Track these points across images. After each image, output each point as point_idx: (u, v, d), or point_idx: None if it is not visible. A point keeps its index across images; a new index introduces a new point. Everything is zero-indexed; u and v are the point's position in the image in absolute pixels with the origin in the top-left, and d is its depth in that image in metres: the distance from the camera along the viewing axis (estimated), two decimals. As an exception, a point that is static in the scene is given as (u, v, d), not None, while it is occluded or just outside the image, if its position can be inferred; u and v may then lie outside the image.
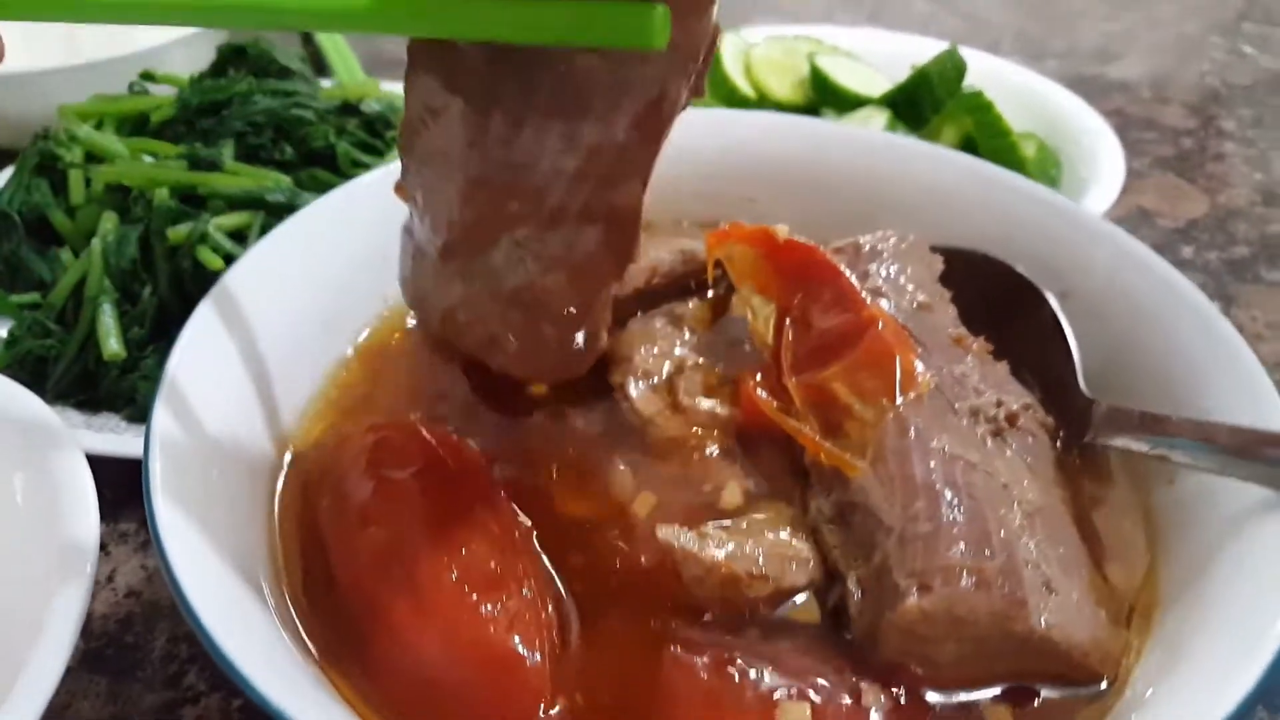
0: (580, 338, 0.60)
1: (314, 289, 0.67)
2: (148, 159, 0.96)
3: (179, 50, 1.27)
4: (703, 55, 0.50)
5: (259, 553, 0.55)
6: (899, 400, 0.56)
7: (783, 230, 0.65)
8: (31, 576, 0.64)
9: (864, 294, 0.61)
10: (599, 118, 0.49)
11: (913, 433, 0.55)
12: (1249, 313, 1.09)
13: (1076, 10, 1.87)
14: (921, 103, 1.09)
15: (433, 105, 0.50)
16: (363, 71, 1.35)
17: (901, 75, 1.22)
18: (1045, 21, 1.82)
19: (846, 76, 1.14)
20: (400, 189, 0.57)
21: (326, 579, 0.54)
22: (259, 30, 1.06)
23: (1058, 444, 0.61)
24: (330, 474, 0.58)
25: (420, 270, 0.59)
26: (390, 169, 0.72)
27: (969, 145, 1.10)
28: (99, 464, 0.65)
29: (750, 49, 1.24)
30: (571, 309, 0.58)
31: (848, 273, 0.63)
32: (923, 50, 1.24)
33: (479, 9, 0.44)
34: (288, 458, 0.62)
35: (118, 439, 0.81)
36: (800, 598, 0.54)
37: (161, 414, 0.52)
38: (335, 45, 1.42)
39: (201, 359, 0.57)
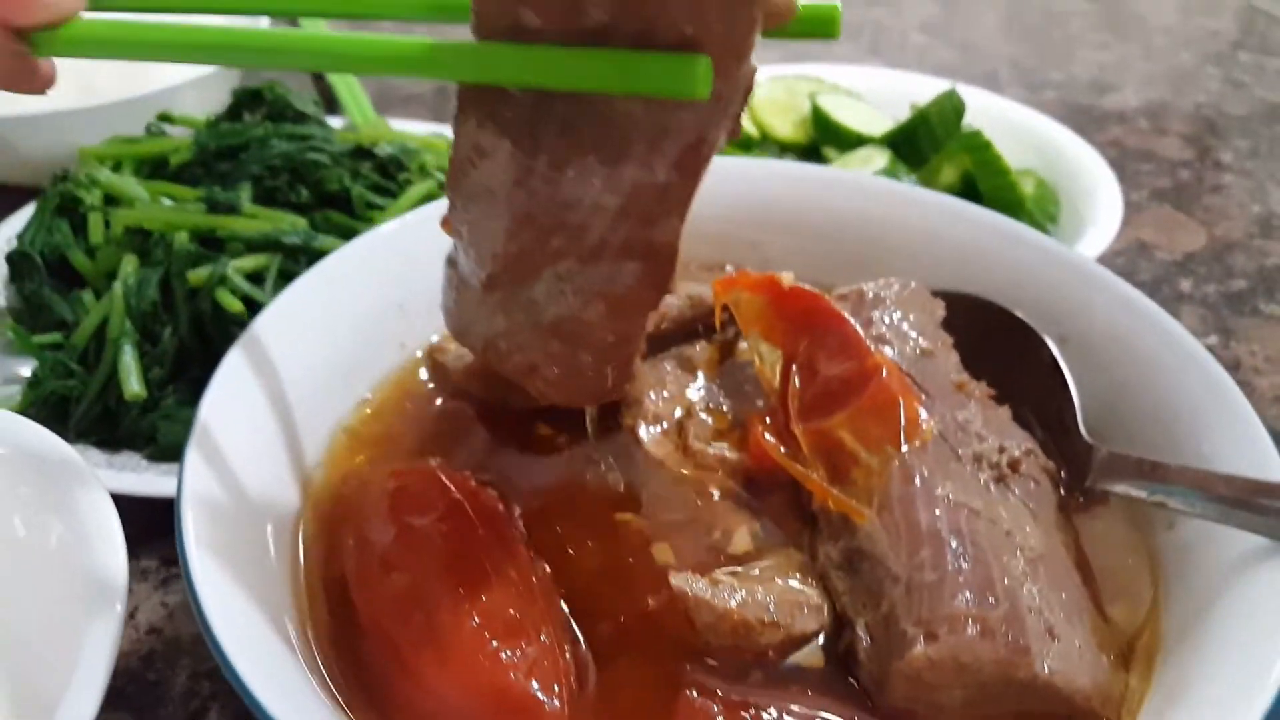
0: (616, 365, 0.62)
1: (335, 337, 0.69)
2: (167, 202, 0.98)
3: (192, 91, 1.29)
4: (740, 99, 0.51)
5: (284, 596, 0.57)
6: (904, 448, 0.58)
7: (788, 278, 0.67)
8: (61, 616, 0.66)
9: (868, 341, 0.63)
10: (640, 160, 0.51)
11: (918, 480, 0.56)
12: (1248, 346, 1.11)
13: (1072, 40, 1.90)
14: (921, 142, 1.11)
15: (481, 146, 0.52)
16: (373, 109, 1.38)
17: (902, 112, 1.25)
18: (1041, 52, 1.84)
19: (847, 116, 1.16)
20: (446, 223, 0.58)
21: (350, 623, 0.56)
22: (291, 71, 1.09)
23: (1060, 488, 0.63)
24: (353, 519, 0.59)
25: (464, 300, 0.61)
26: (405, 220, 0.75)
27: (969, 183, 1.13)
28: (120, 502, 0.66)
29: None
30: (609, 339, 0.60)
31: (852, 320, 0.65)
32: (922, 88, 1.26)
33: (528, 57, 0.47)
34: (309, 502, 0.64)
35: (138, 478, 0.83)
36: (811, 645, 0.55)
37: (193, 461, 0.54)
38: (347, 84, 1.44)
39: (229, 407, 0.59)
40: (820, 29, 0.54)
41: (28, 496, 0.70)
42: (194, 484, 0.53)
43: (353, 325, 0.70)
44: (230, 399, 0.59)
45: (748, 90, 0.52)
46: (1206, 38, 1.94)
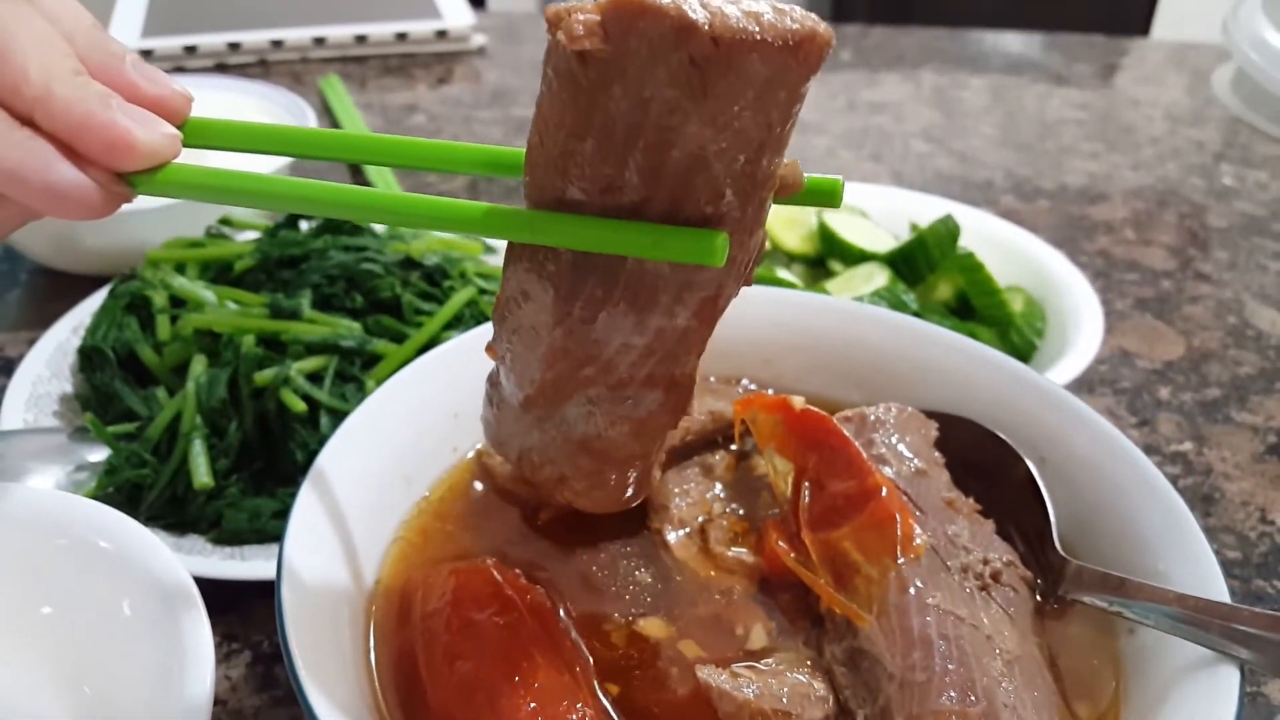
0: (637, 477, 0.71)
1: (399, 445, 0.78)
2: (232, 305, 1.07)
3: (246, 190, 1.39)
4: (753, 260, 0.59)
5: (361, 680, 0.65)
6: (900, 560, 0.67)
7: (799, 401, 0.76)
8: (154, 695, 0.74)
9: (870, 461, 0.72)
10: (665, 310, 0.58)
11: (912, 590, 0.65)
12: (1219, 453, 1.20)
13: (1064, 150, 2.01)
14: (919, 262, 1.21)
15: (526, 290, 0.59)
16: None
17: (902, 227, 1.35)
18: (1034, 161, 1.95)
19: (851, 233, 1.26)
20: (491, 350, 0.67)
21: (418, 707, 0.64)
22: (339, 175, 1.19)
23: (1036, 596, 0.72)
24: (417, 613, 0.68)
25: (502, 416, 0.70)
26: (454, 344, 0.84)
27: (963, 300, 1.23)
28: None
29: (766, 203, 1.37)
30: (632, 455, 0.69)
31: (855, 441, 0.74)
32: (922, 207, 1.37)
33: (572, 226, 0.53)
34: (378, 596, 0.72)
35: (204, 560, 0.91)
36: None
37: (288, 557, 0.63)
38: (386, 184, 1.55)
39: (313, 512, 0.68)
40: (824, 200, 0.61)
41: (131, 588, 0.78)
42: (289, 579, 0.62)
43: (414, 434, 0.79)
44: (312, 505, 0.68)
45: (759, 252, 0.60)
46: (1192, 149, 2.05)
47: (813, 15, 0.48)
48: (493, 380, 0.70)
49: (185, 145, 0.62)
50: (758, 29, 0.46)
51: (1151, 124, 2.17)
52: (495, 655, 0.64)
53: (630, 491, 0.73)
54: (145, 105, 0.59)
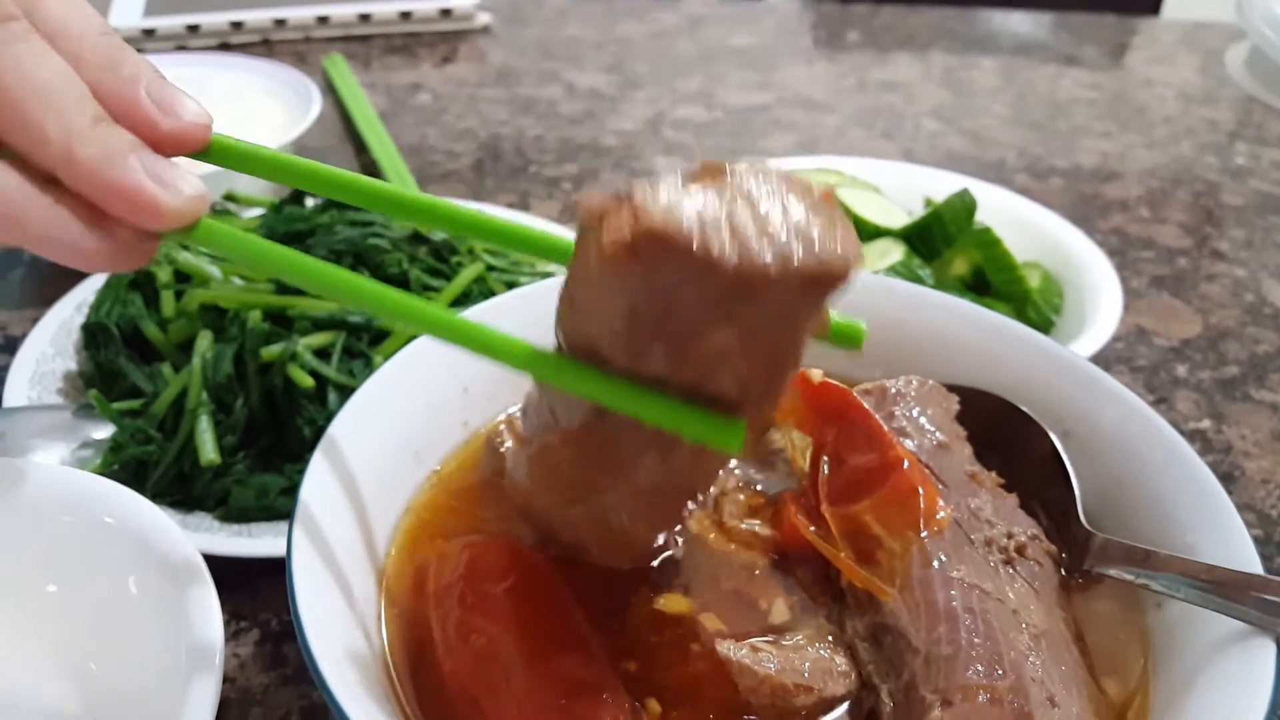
0: (658, 546, 0.73)
1: (409, 420, 0.76)
2: (237, 281, 1.06)
3: (250, 168, 1.38)
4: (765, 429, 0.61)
5: (374, 655, 0.64)
6: (923, 533, 0.66)
7: (817, 374, 0.75)
8: (162, 670, 0.72)
9: (891, 434, 0.71)
10: (690, 449, 0.58)
11: (936, 563, 0.64)
12: (1238, 430, 1.18)
13: (1077, 130, 1.99)
14: (935, 238, 1.19)
15: (555, 410, 0.60)
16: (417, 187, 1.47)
17: (916, 204, 1.33)
18: (1047, 141, 1.93)
19: (866, 209, 1.25)
20: (516, 435, 0.68)
21: (430, 679, 0.63)
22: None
23: (1060, 570, 0.70)
24: (432, 586, 0.66)
25: (523, 488, 0.70)
26: (466, 315, 0.82)
27: (979, 275, 1.21)
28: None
29: (778, 179, 1.35)
30: (651, 535, 0.72)
31: (876, 414, 0.72)
32: (936, 182, 1.35)
33: (599, 381, 0.54)
34: (389, 569, 0.71)
35: (211, 537, 0.90)
36: (840, 709, 0.62)
37: (299, 530, 0.62)
38: (392, 164, 1.53)
39: (323, 485, 0.66)
40: (847, 342, 0.62)
41: (137, 564, 0.77)
42: (300, 551, 0.61)
43: (425, 408, 0.78)
44: (323, 478, 0.67)
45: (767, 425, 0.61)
46: (1206, 128, 2.03)
47: (845, 235, 0.49)
48: (522, 440, 0.70)
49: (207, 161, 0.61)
50: (780, 263, 0.46)
51: (1164, 103, 2.15)
52: (511, 629, 0.62)
53: (648, 555, 0.73)
54: (163, 143, 0.57)
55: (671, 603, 0.68)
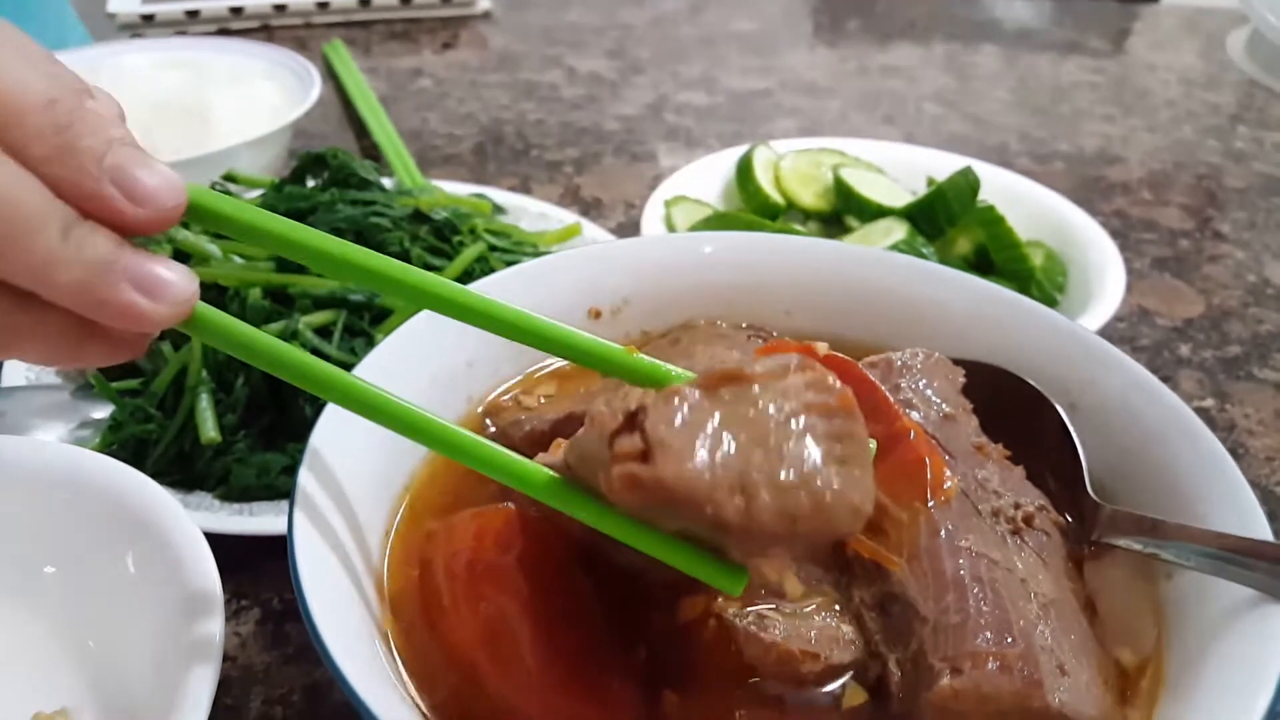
0: None
1: (414, 392, 0.75)
2: (237, 259, 1.05)
3: (248, 152, 1.37)
4: None
5: (379, 626, 0.63)
6: (930, 503, 0.65)
7: (823, 347, 0.73)
8: (162, 653, 0.72)
9: (897, 406, 0.70)
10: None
11: (943, 533, 0.63)
12: (1242, 409, 1.18)
13: (1079, 113, 1.98)
14: (938, 215, 1.18)
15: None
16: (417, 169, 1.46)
17: (918, 185, 1.32)
18: (1049, 124, 1.93)
19: (868, 188, 1.24)
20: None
21: (442, 652, 0.62)
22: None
23: (1068, 540, 0.70)
24: (438, 554, 0.66)
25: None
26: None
27: (982, 254, 1.20)
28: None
29: (779, 160, 1.34)
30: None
31: (881, 386, 0.71)
32: (938, 162, 1.34)
33: (612, 519, 0.54)
34: (394, 539, 0.70)
35: (212, 516, 0.89)
36: (846, 676, 0.62)
37: (301, 498, 0.61)
38: (394, 146, 1.53)
39: (325, 454, 0.66)
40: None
41: (136, 541, 0.77)
42: (302, 525, 0.60)
43: (427, 381, 0.77)
44: (326, 447, 0.66)
45: None
46: (1207, 111, 2.02)
47: (859, 481, 0.50)
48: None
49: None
50: (786, 526, 0.48)
51: (1167, 88, 2.14)
52: (520, 598, 0.61)
53: None
54: (135, 230, 0.53)
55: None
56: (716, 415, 0.48)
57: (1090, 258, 1.18)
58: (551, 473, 0.56)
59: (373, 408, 0.60)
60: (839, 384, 0.52)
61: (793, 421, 0.49)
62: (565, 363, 0.86)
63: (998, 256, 1.18)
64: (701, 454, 0.47)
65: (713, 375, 0.50)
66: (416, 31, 2.25)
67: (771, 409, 0.49)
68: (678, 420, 0.47)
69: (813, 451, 0.49)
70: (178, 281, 0.54)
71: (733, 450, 0.47)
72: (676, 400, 0.48)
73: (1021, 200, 1.27)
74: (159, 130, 1.46)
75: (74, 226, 0.50)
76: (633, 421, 0.48)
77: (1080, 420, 0.75)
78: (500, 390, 0.83)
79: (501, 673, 0.59)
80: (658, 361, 0.60)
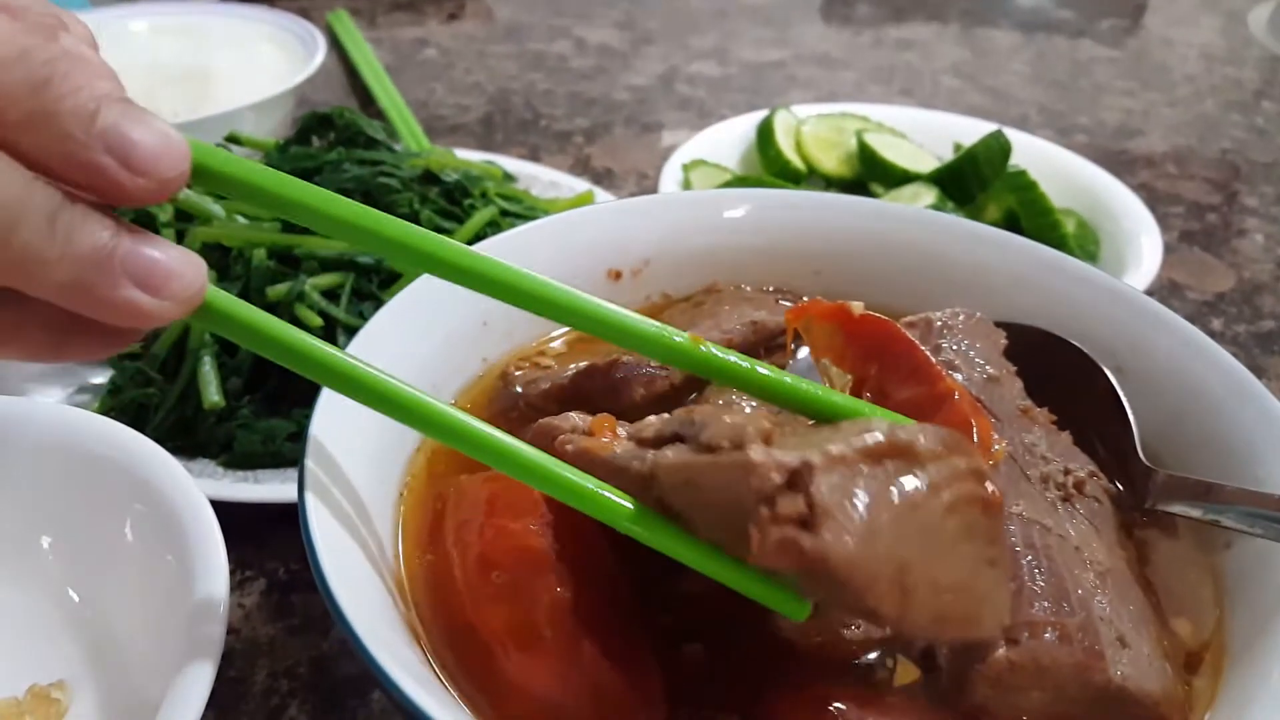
0: None
1: (427, 351, 0.72)
2: (241, 220, 1.01)
3: (252, 114, 1.34)
4: None
5: (392, 591, 0.60)
6: (977, 466, 0.61)
7: (858, 307, 0.70)
8: (163, 620, 0.68)
9: (939, 366, 0.66)
10: None
11: (992, 497, 0.59)
12: (1277, 384, 1.14)
13: (1099, 88, 1.94)
14: (968, 180, 1.15)
15: None
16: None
17: (942, 151, 1.29)
18: (1069, 98, 1.89)
19: (893, 153, 1.20)
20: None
21: (459, 619, 0.58)
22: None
23: (1120, 508, 0.66)
24: (451, 520, 0.62)
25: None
26: (486, 246, 0.78)
27: (1013, 221, 1.16)
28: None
29: (800, 125, 1.30)
30: None
31: (922, 346, 0.68)
32: (962, 128, 1.30)
33: (686, 544, 0.50)
34: (407, 501, 0.67)
35: (215, 483, 0.86)
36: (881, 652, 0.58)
37: (311, 466, 0.57)
38: (400, 112, 1.49)
39: (336, 414, 0.62)
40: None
41: (135, 505, 0.73)
42: (313, 482, 0.56)
43: (442, 340, 0.73)
44: (336, 408, 0.62)
45: None
46: (1230, 86, 1.98)
47: (1000, 597, 0.49)
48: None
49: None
50: (933, 633, 0.49)
51: (1187, 63, 2.10)
52: (532, 567, 0.58)
53: None
54: (134, 203, 0.46)
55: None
56: (882, 492, 0.45)
57: (1123, 226, 1.14)
58: (633, 506, 0.52)
59: (406, 409, 0.54)
60: (991, 484, 0.49)
61: (953, 517, 0.46)
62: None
63: (1029, 224, 1.14)
64: (867, 536, 0.43)
65: (880, 446, 0.46)
66: (422, 2, 2.21)
67: (934, 497, 0.46)
68: (847, 491, 0.43)
69: (969, 553, 0.47)
70: (185, 272, 0.46)
71: (896, 538, 0.44)
72: (845, 469, 0.44)
73: (1051, 167, 1.23)
74: (160, 92, 1.42)
75: (61, 212, 0.42)
76: (796, 482, 0.43)
77: (1128, 384, 0.71)
78: (515, 350, 0.79)
79: (518, 644, 0.55)
80: (673, 331, 0.58)
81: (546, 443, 0.58)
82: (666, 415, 0.55)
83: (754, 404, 0.76)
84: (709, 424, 0.49)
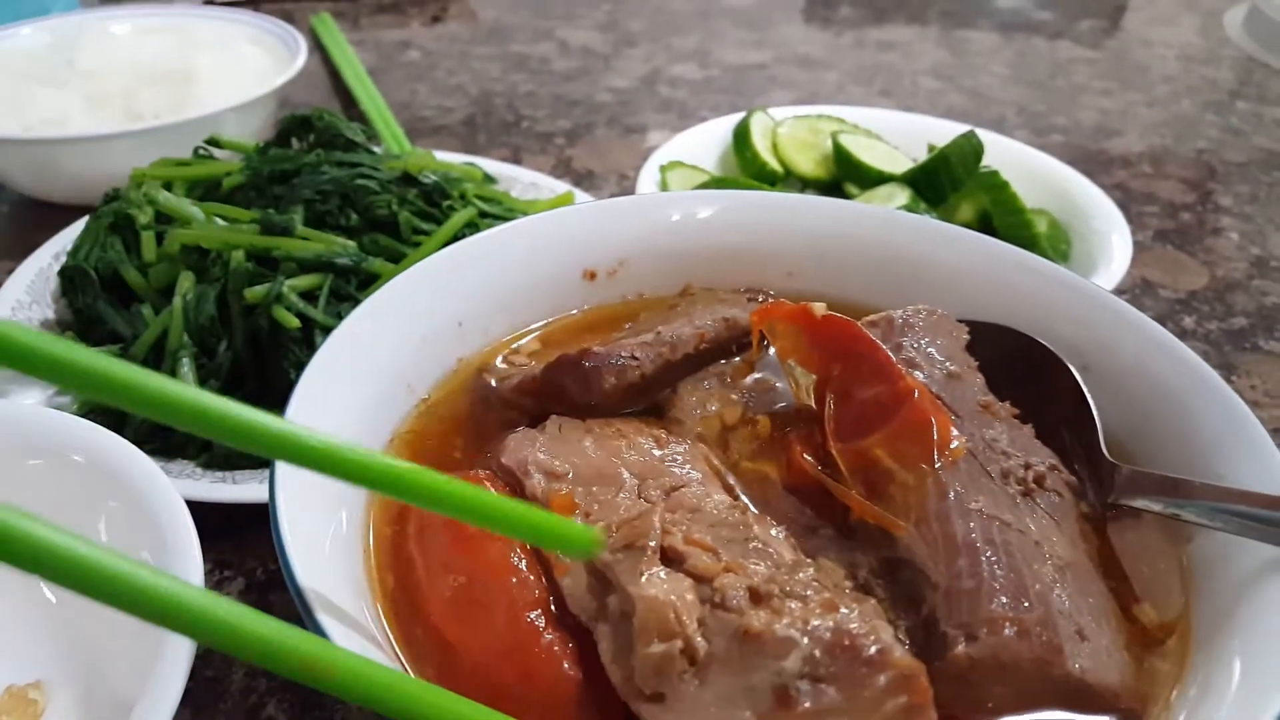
0: None
1: (401, 351, 0.73)
2: (220, 222, 1.02)
3: (234, 117, 1.34)
4: None
5: (360, 587, 0.60)
6: (937, 464, 0.62)
7: (820, 308, 0.71)
8: (136, 621, 0.69)
9: (899, 365, 0.67)
10: None
11: (952, 495, 0.60)
12: (1248, 381, 1.16)
13: (1076, 88, 1.96)
14: (941, 181, 1.16)
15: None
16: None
17: (917, 152, 1.30)
18: (1047, 98, 1.90)
19: (868, 154, 1.21)
20: None
21: (422, 620, 0.59)
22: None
23: (1081, 501, 0.67)
24: (415, 525, 0.63)
25: None
26: (458, 248, 0.78)
27: (985, 221, 1.17)
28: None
29: (777, 126, 1.31)
30: None
31: (883, 345, 0.69)
32: (937, 130, 1.31)
33: None
34: (376, 500, 0.67)
35: (194, 484, 0.86)
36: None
37: (281, 466, 0.58)
38: (381, 114, 1.49)
39: (311, 411, 0.63)
40: None
41: (110, 504, 0.74)
42: (284, 483, 0.57)
43: (417, 340, 0.74)
44: (310, 404, 0.63)
45: None
46: (1206, 87, 2.00)
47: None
48: None
49: None
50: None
51: (1165, 63, 2.12)
52: (489, 569, 0.59)
53: None
54: None
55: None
56: None
57: (1094, 226, 1.15)
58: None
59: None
60: None
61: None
62: (552, 324, 0.84)
63: (1000, 223, 1.15)
64: None
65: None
66: (405, 4, 2.21)
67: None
68: None
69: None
70: None
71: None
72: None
73: (1024, 169, 1.25)
74: (142, 93, 1.42)
75: None
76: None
77: (1094, 381, 0.72)
78: (489, 349, 0.80)
79: (475, 640, 0.56)
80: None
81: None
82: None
83: (735, 395, 0.77)
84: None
